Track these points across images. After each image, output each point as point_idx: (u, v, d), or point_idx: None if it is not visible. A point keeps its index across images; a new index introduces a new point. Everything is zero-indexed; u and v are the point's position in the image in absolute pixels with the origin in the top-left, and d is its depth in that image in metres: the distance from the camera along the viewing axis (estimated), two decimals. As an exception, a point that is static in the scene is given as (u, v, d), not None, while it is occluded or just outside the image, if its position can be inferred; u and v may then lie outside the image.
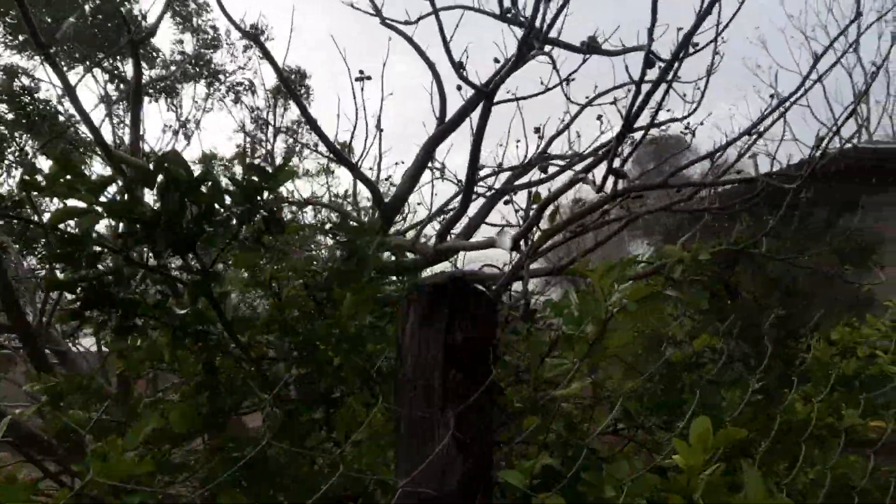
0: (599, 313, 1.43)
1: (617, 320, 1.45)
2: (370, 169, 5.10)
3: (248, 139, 9.44)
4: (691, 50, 4.05)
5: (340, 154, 3.75)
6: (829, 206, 8.71)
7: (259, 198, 1.58)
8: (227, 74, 10.15)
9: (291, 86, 3.24)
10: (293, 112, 10.99)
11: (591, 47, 2.77)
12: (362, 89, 4.10)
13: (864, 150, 10.46)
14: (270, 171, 1.56)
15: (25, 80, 8.72)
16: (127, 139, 9.74)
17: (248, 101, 10.26)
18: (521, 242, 2.65)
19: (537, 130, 4.23)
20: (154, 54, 10.08)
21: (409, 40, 3.25)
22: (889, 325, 3.13)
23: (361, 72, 3.59)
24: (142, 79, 3.54)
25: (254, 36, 3.24)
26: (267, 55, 3.17)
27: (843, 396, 2.44)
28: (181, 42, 10.16)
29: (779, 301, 8.63)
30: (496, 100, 3.11)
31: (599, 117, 4.43)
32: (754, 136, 3.92)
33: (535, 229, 2.79)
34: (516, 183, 5.02)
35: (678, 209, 4.45)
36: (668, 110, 5.07)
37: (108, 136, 9.57)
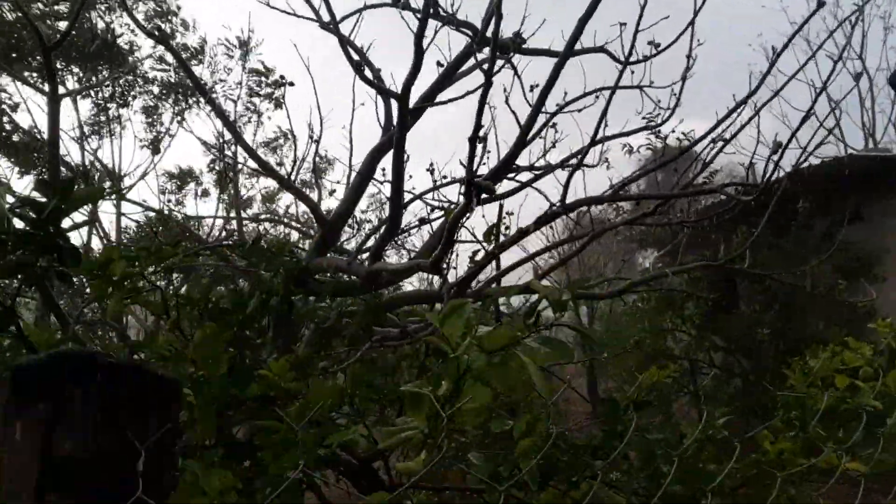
0: (450, 369, 1.12)
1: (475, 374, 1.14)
2: (337, 183, 4.81)
3: (216, 154, 9.26)
4: (654, 51, 3.77)
5: (270, 169, 3.49)
6: (829, 217, 8.34)
7: (51, 222, 1.29)
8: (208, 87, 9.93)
9: (208, 94, 2.97)
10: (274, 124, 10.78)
11: (518, 46, 2.47)
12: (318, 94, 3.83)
13: (866, 157, 10.07)
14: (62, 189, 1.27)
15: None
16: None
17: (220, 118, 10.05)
18: (444, 265, 2.36)
19: (480, 141, 3.92)
20: (138, 71, 9.93)
21: (342, 40, 2.97)
22: (871, 351, 2.78)
23: (282, 77, 3.32)
24: (57, 88, 3.29)
25: (160, 38, 2.96)
26: (177, 57, 2.92)
27: (818, 433, 2.18)
28: (161, 59, 9.96)
29: (777, 315, 8.24)
30: (429, 108, 2.84)
31: (553, 124, 4.12)
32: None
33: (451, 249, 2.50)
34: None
35: (645, 223, 4.15)
36: (647, 116, 4.78)
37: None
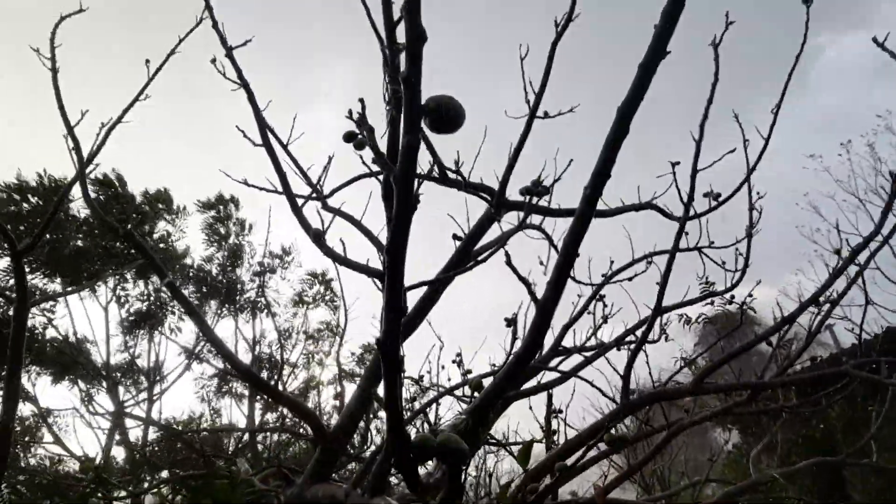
0: None
1: None
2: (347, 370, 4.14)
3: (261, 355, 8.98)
4: (713, 203, 3.20)
5: (254, 378, 2.90)
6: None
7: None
8: (244, 291, 9.95)
9: (196, 311, 2.49)
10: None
11: (533, 193, 1.93)
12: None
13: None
14: None
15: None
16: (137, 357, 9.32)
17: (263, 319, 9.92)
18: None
19: (509, 323, 3.28)
20: (188, 270, 10.08)
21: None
22: None
23: (261, 264, 2.86)
24: (26, 295, 2.90)
25: (118, 229, 2.57)
26: (136, 244, 2.50)
27: None
28: (210, 260, 10.19)
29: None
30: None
31: (602, 297, 3.46)
32: (826, 305, 2.86)
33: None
34: (525, 387, 3.95)
35: (740, 411, 3.24)
36: (711, 283, 4.09)
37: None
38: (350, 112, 1.36)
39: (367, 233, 2.57)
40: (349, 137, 1.38)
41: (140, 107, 3.33)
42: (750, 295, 3.49)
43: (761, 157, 2.72)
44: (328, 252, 1.66)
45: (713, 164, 2.46)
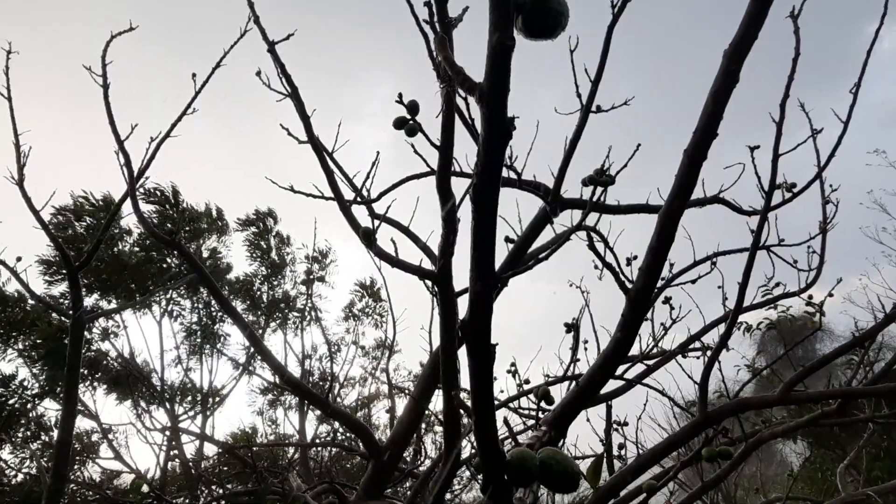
0: None
1: None
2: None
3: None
4: (787, 195, 2.96)
5: (304, 391, 2.82)
6: None
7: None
8: (291, 301, 10.01)
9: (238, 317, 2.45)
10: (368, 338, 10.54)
11: (598, 183, 1.77)
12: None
13: None
14: None
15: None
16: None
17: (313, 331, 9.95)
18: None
19: (569, 329, 3.09)
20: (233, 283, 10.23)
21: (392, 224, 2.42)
22: None
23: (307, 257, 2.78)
24: (82, 306, 2.92)
25: (168, 241, 2.56)
26: (186, 257, 2.47)
27: None
28: (255, 275, 10.31)
29: None
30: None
31: (668, 300, 3.24)
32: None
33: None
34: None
35: (827, 423, 2.95)
36: (779, 284, 3.81)
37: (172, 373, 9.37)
38: (400, 96, 1.25)
39: (415, 239, 2.46)
40: (399, 124, 1.27)
41: (187, 119, 3.34)
42: (830, 294, 3.22)
43: (841, 142, 2.49)
44: (379, 252, 1.55)
45: (797, 147, 2.25)
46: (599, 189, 1.77)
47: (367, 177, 1.87)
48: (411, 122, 1.26)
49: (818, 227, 3.36)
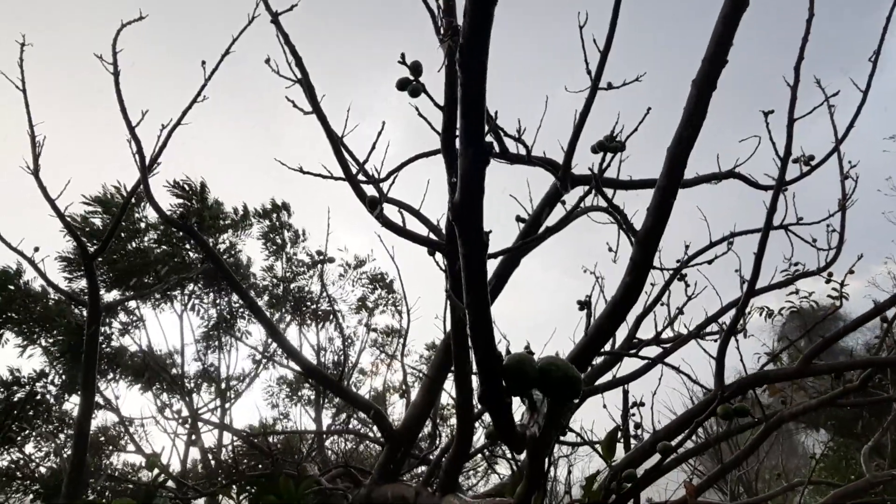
0: None
1: None
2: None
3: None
4: (804, 169, 2.89)
5: (319, 375, 2.82)
6: None
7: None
8: (309, 297, 10.05)
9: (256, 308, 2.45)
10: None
11: (608, 149, 1.72)
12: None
13: None
14: None
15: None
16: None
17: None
18: None
19: (582, 306, 3.05)
20: (252, 279, 10.30)
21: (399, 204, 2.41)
22: None
23: (320, 252, 2.78)
24: (98, 293, 2.95)
25: (181, 226, 2.57)
26: (198, 241, 2.48)
27: None
28: (271, 269, 10.38)
29: None
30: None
31: (683, 277, 3.18)
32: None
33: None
34: (598, 382, 3.71)
35: (847, 402, 2.88)
36: (797, 264, 3.72)
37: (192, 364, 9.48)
38: (402, 56, 1.23)
39: (424, 220, 2.45)
40: (403, 85, 1.25)
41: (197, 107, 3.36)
42: (851, 271, 3.15)
43: (860, 111, 2.42)
44: (386, 223, 1.53)
45: (813, 111, 2.19)
46: (609, 155, 1.73)
47: (373, 147, 1.85)
48: (414, 82, 1.24)
49: (837, 205, 3.29)
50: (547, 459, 1.36)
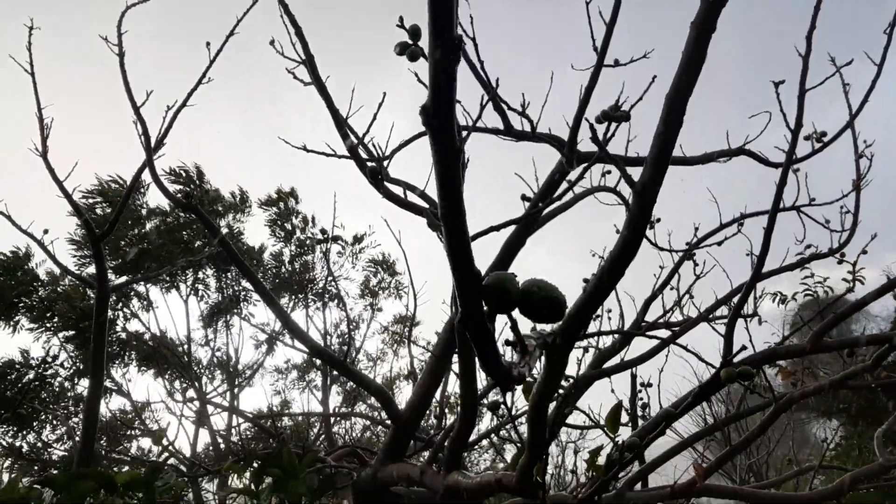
0: None
1: None
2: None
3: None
4: (817, 145, 2.83)
5: (325, 355, 2.82)
6: None
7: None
8: (316, 282, 10.07)
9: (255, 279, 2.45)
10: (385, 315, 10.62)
11: (612, 119, 1.69)
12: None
13: None
14: None
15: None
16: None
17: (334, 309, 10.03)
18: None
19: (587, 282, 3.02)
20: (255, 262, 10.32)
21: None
22: None
23: (324, 231, 2.77)
24: (105, 274, 2.96)
25: (185, 204, 2.57)
26: (202, 219, 2.48)
27: None
28: (280, 254, 10.41)
29: None
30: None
31: (692, 256, 3.13)
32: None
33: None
34: (606, 365, 3.69)
35: (858, 384, 2.83)
36: (810, 246, 3.66)
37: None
38: (401, 20, 1.21)
39: (426, 198, 2.43)
40: (402, 49, 1.23)
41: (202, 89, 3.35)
42: (864, 251, 3.09)
43: (874, 86, 2.36)
44: (386, 193, 1.52)
45: (825, 81, 2.13)
46: (614, 125, 1.70)
47: (374, 117, 1.82)
48: (413, 46, 1.22)
49: (851, 185, 3.22)
50: (548, 429, 1.35)
